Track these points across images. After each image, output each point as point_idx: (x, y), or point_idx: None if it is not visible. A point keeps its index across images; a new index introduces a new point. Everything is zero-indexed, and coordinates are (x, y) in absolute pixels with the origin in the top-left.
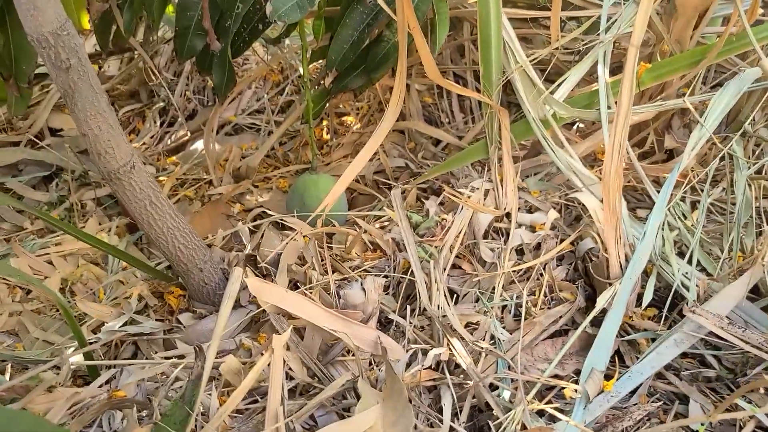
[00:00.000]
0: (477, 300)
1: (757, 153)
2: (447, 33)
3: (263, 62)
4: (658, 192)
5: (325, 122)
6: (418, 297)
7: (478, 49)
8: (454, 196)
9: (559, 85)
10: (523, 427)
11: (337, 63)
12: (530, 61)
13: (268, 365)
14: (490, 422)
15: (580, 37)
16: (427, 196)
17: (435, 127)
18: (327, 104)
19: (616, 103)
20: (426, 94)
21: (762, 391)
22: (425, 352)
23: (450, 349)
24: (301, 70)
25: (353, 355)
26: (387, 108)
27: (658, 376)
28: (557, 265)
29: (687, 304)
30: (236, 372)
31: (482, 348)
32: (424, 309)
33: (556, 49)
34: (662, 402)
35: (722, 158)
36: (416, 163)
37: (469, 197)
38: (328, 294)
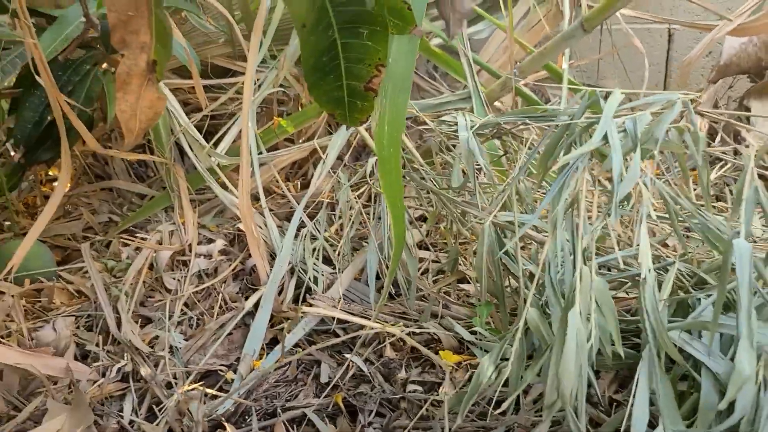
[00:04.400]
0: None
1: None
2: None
3: None
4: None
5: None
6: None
7: None
8: (132, 240)
9: (217, 142)
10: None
11: (23, 141)
12: (192, 122)
13: None
14: (155, 407)
15: (232, 98)
16: (128, 243)
17: (141, 182)
18: (23, 176)
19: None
20: None
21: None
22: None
23: (132, 361)
24: None
25: (55, 383)
26: (60, 175)
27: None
28: (233, 282)
29: (311, 294)
30: None
31: (159, 354)
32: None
33: (208, 113)
34: (302, 366)
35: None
36: (123, 216)
37: (145, 239)
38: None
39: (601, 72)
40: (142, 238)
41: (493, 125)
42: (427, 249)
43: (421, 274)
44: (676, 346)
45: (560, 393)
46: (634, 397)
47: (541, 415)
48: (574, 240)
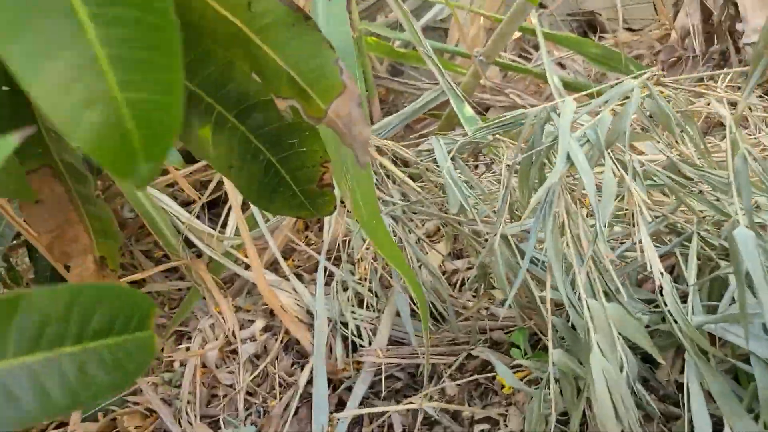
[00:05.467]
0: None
1: None
2: None
3: None
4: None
5: None
6: None
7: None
8: (179, 348)
9: (225, 222)
10: None
11: None
12: (192, 215)
13: None
14: None
15: None
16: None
17: (174, 273)
18: None
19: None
20: None
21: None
22: None
23: None
24: None
25: None
26: None
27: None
28: (285, 354)
29: (359, 348)
30: None
31: None
32: None
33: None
34: (375, 421)
35: None
36: (168, 317)
37: (188, 348)
38: None
39: None
40: (186, 348)
41: (469, 143)
42: (459, 257)
43: (459, 288)
44: (717, 337)
45: None
46: (689, 405)
47: None
48: (574, 275)
